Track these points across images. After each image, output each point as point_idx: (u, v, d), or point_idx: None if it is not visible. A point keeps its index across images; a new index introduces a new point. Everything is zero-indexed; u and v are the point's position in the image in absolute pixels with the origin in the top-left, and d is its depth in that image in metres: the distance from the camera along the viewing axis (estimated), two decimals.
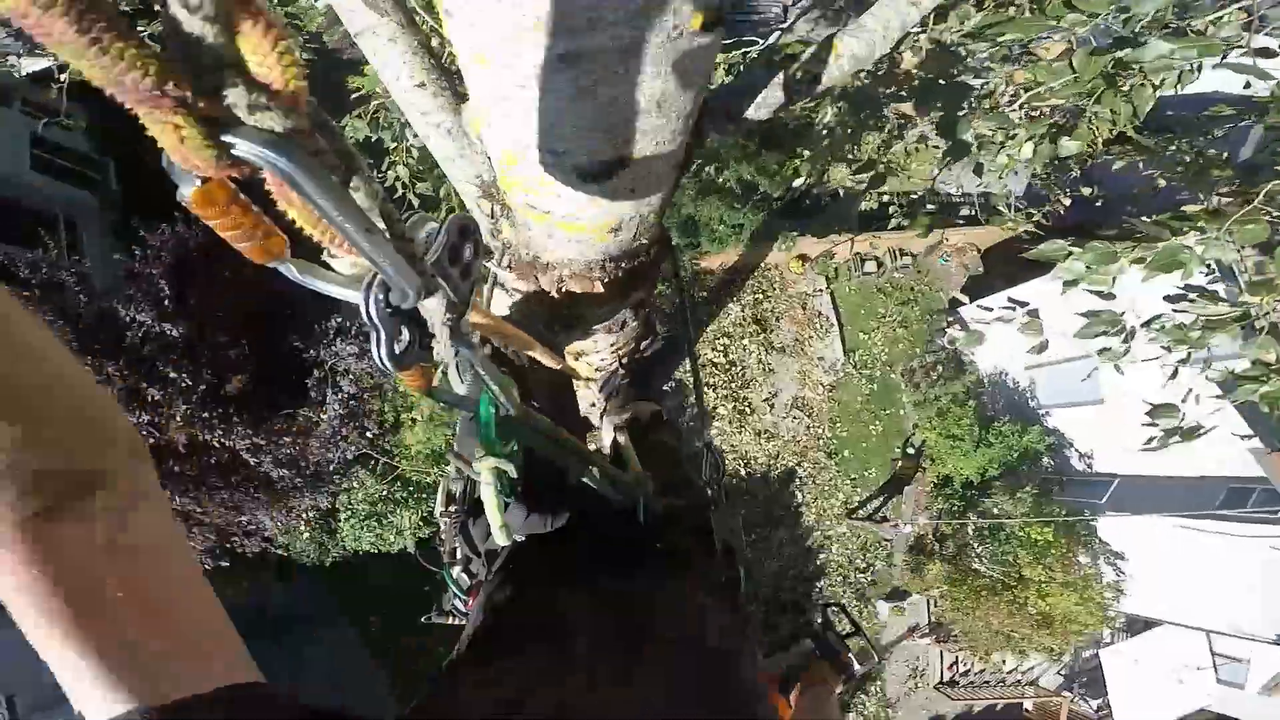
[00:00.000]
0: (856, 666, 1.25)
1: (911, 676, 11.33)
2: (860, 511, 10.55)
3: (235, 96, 0.40)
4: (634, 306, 1.71)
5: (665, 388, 9.03)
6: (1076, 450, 10.16)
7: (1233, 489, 8.24)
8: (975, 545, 10.20)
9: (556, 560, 1.00)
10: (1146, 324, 2.26)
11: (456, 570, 1.10)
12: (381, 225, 0.51)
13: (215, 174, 0.41)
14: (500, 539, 0.90)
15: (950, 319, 10.56)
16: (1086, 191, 4.32)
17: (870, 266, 10.29)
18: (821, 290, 10.25)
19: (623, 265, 1.44)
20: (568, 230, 1.25)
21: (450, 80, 1.79)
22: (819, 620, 1.36)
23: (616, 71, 0.72)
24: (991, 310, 9.38)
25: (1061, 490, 10.12)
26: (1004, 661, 11.38)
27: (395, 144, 4.42)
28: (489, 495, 0.85)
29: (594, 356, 1.88)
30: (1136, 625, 10.34)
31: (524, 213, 1.25)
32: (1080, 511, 9.52)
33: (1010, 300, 9.37)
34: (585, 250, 1.34)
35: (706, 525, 1.19)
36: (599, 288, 1.46)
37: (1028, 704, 11.81)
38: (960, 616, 10.22)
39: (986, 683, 11.70)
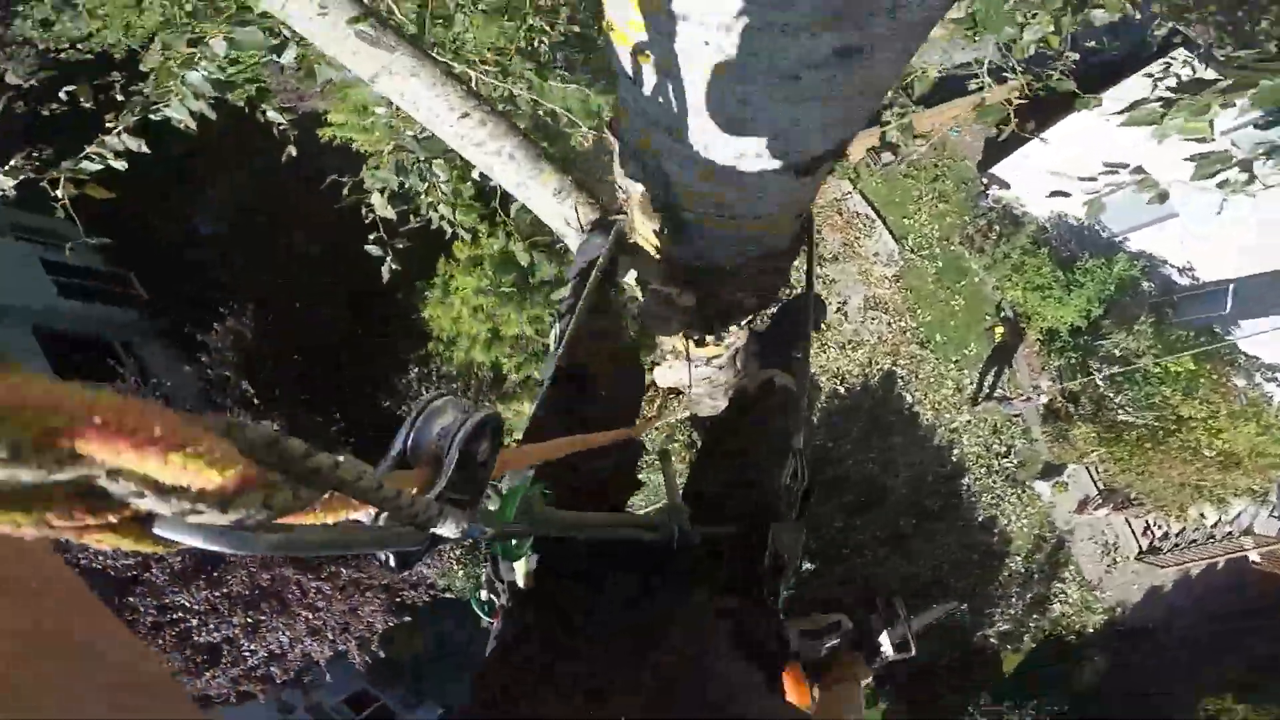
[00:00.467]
0: (889, 652, 1.17)
1: (1105, 553, 10.25)
2: (981, 395, 9.90)
3: (150, 506, 0.30)
4: (775, 279, 1.58)
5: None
6: (1173, 266, 9.36)
7: None
8: (1112, 395, 9.30)
9: (572, 581, 1.07)
10: (1269, 155, 2.32)
11: (484, 594, 1.15)
12: (369, 510, 0.45)
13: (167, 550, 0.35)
14: (522, 584, 1.03)
15: (985, 180, 10.21)
16: (1092, 45, 4.36)
17: (887, 156, 10.12)
18: (849, 193, 10.00)
19: (787, 249, 1.32)
20: (754, 229, 1.13)
21: (492, 103, 1.48)
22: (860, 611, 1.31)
23: (894, 59, 0.64)
24: (1096, 180, 8.84)
25: (1176, 311, 9.27)
26: (1203, 515, 10.09)
27: (425, 184, 4.04)
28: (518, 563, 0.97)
29: (730, 335, 1.75)
30: None
31: (707, 222, 1.12)
32: (1209, 328, 8.64)
33: (1106, 165, 8.91)
34: (765, 244, 1.22)
35: (757, 529, 1.19)
36: (766, 281, 1.33)
37: (1254, 555, 10.20)
38: (1133, 477, 9.17)
39: (1194, 542, 10.28)
